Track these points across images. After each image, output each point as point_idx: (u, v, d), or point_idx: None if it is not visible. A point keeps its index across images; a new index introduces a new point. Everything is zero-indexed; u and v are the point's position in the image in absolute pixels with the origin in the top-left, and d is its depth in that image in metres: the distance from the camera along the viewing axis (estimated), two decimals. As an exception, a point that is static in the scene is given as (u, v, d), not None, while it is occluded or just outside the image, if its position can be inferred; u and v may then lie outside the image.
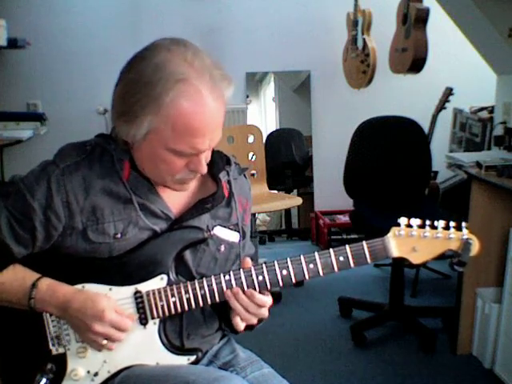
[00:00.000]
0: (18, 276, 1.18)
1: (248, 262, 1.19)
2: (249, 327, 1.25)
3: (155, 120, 1.08)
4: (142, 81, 1.07)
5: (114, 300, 1.16)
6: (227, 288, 1.17)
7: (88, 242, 1.16)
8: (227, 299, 1.17)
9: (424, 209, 2.82)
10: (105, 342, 1.15)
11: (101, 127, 3.70)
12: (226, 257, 1.28)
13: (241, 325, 1.20)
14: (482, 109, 3.53)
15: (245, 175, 1.36)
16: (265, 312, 1.20)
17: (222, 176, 1.27)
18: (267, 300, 1.19)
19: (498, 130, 3.06)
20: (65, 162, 1.17)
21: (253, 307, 1.17)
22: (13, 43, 3.22)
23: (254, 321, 1.20)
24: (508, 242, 2.32)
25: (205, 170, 1.16)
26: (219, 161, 1.28)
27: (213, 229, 1.24)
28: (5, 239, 1.15)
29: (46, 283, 1.16)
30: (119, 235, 1.17)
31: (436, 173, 3.49)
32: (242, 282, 1.17)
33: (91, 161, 1.18)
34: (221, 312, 1.28)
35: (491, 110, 3.36)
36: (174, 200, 1.23)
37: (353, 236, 3.92)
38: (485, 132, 3.32)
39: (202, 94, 1.07)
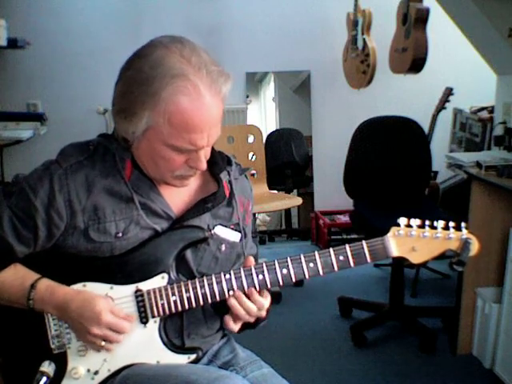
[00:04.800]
0: (19, 275, 1.18)
1: (251, 260, 1.20)
2: (249, 326, 1.25)
3: (153, 116, 1.08)
4: (139, 77, 1.08)
5: (111, 301, 1.16)
6: (228, 290, 1.17)
7: (90, 242, 1.17)
8: (228, 303, 1.17)
9: (424, 209, 2.82)
10: (103, 343, 1.15)
11: (101, 127, 3.71)
12: (227, 256, 1.28)
13: (234, 325, 1.20)
14: (482, 109, 3.53)
15: (246, 176, 1.36)
16: (262, 313, 1.21)
17: (223, 176, 1.27)
18: (265, 302, 1.20)
19: (498, 130, 3.06)
20: (68, 161, 1.17)
21: (252, 309, 1.18)
22: (13, 43, 3.22)
23: (251, 319, 1.21)
24: (508, 242, 2.32)
25: (204, 166, 1.17)
26: (220, 161, 1.28)
27: (213, 228, 1.24)
28: (7, 238, 1.16)
29: (45, 284, 1.16)
30: (120, 234, 1.17)
31: (436, 173, 3.49)
32: (242, 281, 1.17)
33: (94, 160, 1.19)
34: (222, 312, 1.29)
35: (491, 109, 3.36)
36: (176, 199, 1.23)
37: (353, 236, 3.92)
38: (485, 132, 3.33)
39: (199, 89, 1.07)
